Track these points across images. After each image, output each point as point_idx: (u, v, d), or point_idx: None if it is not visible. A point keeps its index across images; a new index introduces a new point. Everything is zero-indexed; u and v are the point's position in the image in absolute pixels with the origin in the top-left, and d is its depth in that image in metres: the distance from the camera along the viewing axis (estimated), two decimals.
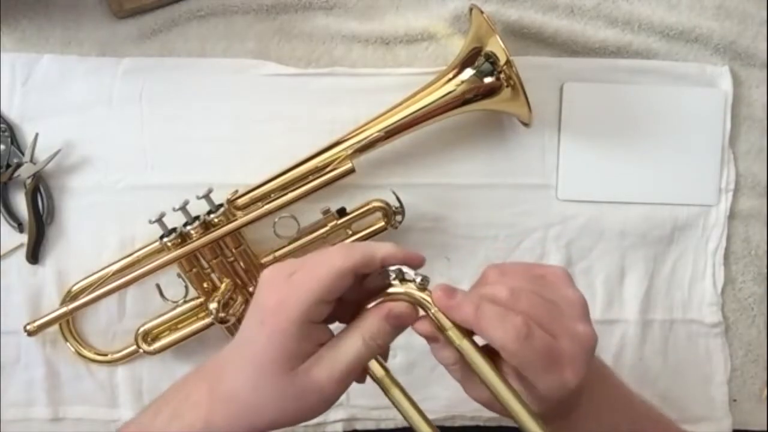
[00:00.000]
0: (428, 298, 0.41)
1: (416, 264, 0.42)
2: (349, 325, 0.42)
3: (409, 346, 0.63)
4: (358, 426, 0.65)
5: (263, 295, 0.41)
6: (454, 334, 0.41)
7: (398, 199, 0.61)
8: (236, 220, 0.59)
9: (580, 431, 0.44)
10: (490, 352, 0.40)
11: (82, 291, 0.62)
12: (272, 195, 0.60)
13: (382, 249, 0.41)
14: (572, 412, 0.43)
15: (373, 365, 0.42)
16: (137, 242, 0.62)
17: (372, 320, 0.41)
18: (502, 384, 0.40)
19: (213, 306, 0.58)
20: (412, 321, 0.41)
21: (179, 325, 0.62)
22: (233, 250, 0.60)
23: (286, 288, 0.40)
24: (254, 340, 0.40)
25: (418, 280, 0.41)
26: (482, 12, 0.58)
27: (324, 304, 0.40)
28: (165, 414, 0.42)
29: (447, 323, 0.41)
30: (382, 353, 0.43)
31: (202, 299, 0.61)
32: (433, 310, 0.41)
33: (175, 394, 0.43)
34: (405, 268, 0.42)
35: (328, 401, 0.40)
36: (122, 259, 0.61)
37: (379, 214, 0.61)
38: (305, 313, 0.39)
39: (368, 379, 0.64)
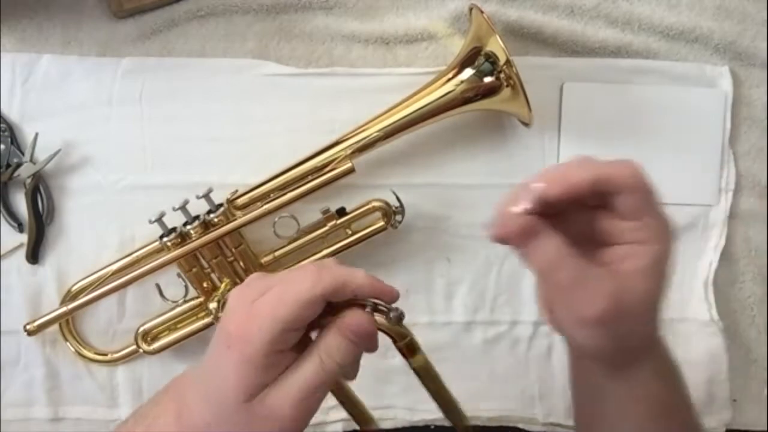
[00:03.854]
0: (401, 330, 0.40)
1: (389, 299, 0.40)
2: (309, 345, 0.39)
3: None
4: None
5: (227, 321, 0.39)
6: (416, 361, 0.43)
7: (398, 199, 0.61)
8: (236, 219, 0.59)
9: (626, 392, 0.44)
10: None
11: (82, 291, 0.62)
12: (272, 195, 0.60)
13: (356, 279, 0.39)
14: (626, 367, 0.43)
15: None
16: (137, 242, 0.62)
17: (328, 337, 0.38)
18: (448, 392, 0.46)
19: (213, 306, 0.58)
20: (372, 333, 0.39)
21: (179, 325, 0.62)
22: (233, 250, 0.60)
23: (250, 315, 0.38)
24: (219, 368, 0.38)
25: (393, 315, 0.39)
26: (482, 12, 0.58)
27: (291, 333, 0.38)
28: None
29: (417, 348, 0.42)
30: (346, 373, 0.41)
31: (201, 299, 0.61)
32: (402, 343, 0.41)
33: (147, 412, 0.42)
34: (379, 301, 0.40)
35: (292, 428, 0.38)
36: (122, 258, 0.61)
37: (378, 214, 0.61)
38: (270, 343, 0.37)
39: (368, 379, 0.64)
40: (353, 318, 0.38)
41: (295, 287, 0.38)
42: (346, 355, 0.38)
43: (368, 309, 0.39)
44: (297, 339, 0.39)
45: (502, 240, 0.39)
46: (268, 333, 0.37)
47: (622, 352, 0.41)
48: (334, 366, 0.38)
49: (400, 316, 0.40)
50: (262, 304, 0.38)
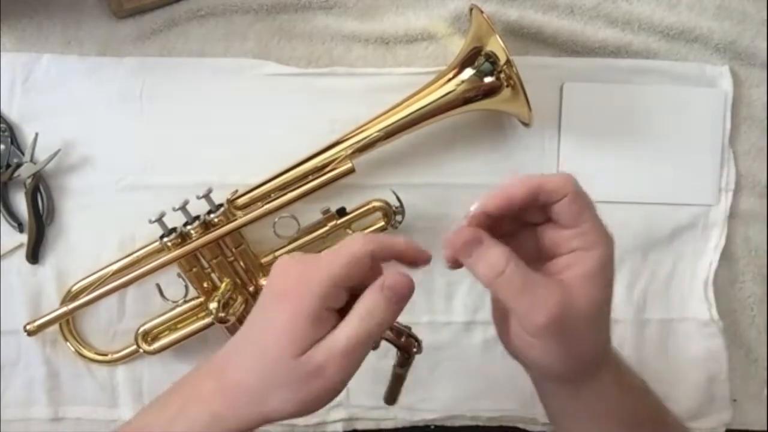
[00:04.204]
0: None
1: (424, 260, 0.43)
2: (352, 307, 0.41)
3: None
4: (358, 426, 0.65)
5: (281, 278, 0.41)
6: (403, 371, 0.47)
7: (398, 198, 0.61)
8: (236, 220, 0.59)
9: (592, 408, 0.44)
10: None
11: (82, 291, 0.62)
12: (272, 195, 0.60)
13: (398, 241, 0.42)
14: (579, 381, 0.43)
15: None
16: (137, 242, 0.62)
17: (368, 296, 0.40)
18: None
19: (213, 306, 0.58)
20: (408, 291, 0.41)
21: (179, 325, 0.62)
22: (233, 250, 0.60)
23: (305, 271, 0.40)
24: (268, 321, 0.41)
25: (415, 350, 0.46)
26: (482, 12, 0.58)
27: (341, 290, 0.40)
28: (171, 409, 0.41)
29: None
30: (382, 330, 0.42)
31: (202, 299, 0.61)
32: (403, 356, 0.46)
33: (181, 388, 0.43)
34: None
35: (331, 387, 0.40)
36: (122, 258, 0.61)
37: (379, 214, 0.61)
38: (323, 297, 0.39)
39: (368, 378, 0.64)
40: (392, 278, 0.40)
41: (347, 246, 0.41)
42: (386, 314, 0.40)
43: (403, 339, 0.45)
44: (344, 301, 0.41)
45: (454, 260, 0.41)
46: (322, 286, 0.39)
47: (574, 364, 0.42)
48: (374, 324, 0.40)
49: (419, 350, 0.46)
50: (316, 261, 0.41)
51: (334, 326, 0.40)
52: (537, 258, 0.42)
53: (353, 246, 0.40)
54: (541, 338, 0.40)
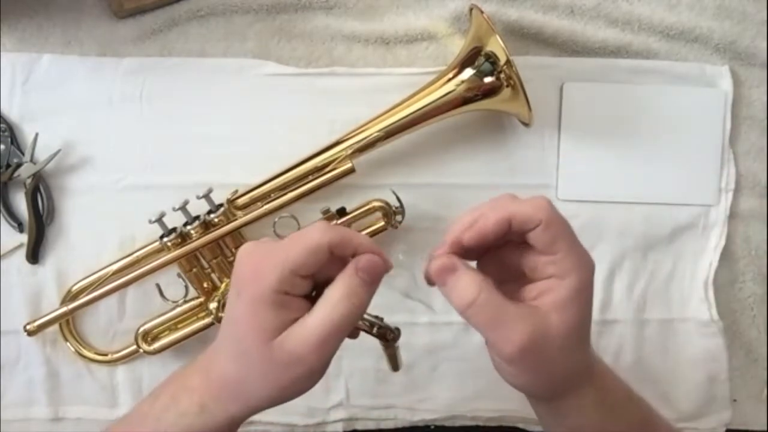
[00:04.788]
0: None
1: (381, 269, 0.41)
2: (324, 291, 0.41)
3: (408, 346, 0.63)
4: (358, 426, 0.65)
5: (240, 268, 0.41)
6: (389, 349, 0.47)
7: (398, 198, 0.61)
8: (236, 219, 0.59)
9: (573, 423, 0.44)
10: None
11: (82, 291, 0.62)
12: (272, 195, 0.60)
13: (359, 237, 0.41)
14: (557, 399, 0.43)
15: None
16: (137, 242, 0.62)
17: (341, 279, 0.40)
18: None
19: (213, 306, 0.58)
20: (382, 270, 0.41)
21: (179, 325, 0.62)
22: (233, 250, 0.60)
23: (262, 259, 0.40)
24: (233, 312, 0.41)
25: (391, 338, 0.45)
26: (482, 12, 0.58)
27: (298, 277, 0.40)
28: (162, 401, 0.42)
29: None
30: (360, 314, 0.42)
31: (202, 299, 0.61)
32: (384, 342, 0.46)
33: (172, 382, 0.44)
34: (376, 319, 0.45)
35: (310, 371, 0.40)
36: (122, 258, 0.61)
37: (379, 214, 0.61)
38: (279, 282, 0.39)
39: (368, 379, 0.64)
40: (365, 259, 0.40)
41: (305, 236, 0.40)
42: (362, 295, 0.40)
43: (375, 330, 0.44)
44: (304, 289, 0.40)
45: (431, 282, 0.41)
46: (277, 273, 0.39)
47: (550, 386, 0.42)
48: (350, 306, 0.39)
49: (397, 337, 0.45)
50: (274, 250, 0.40)
51: (302, 309, 0.40)
52: (523, 273, 0.42)
53: (311, 234, 0.40)
54: (513, 365, 0.40)
